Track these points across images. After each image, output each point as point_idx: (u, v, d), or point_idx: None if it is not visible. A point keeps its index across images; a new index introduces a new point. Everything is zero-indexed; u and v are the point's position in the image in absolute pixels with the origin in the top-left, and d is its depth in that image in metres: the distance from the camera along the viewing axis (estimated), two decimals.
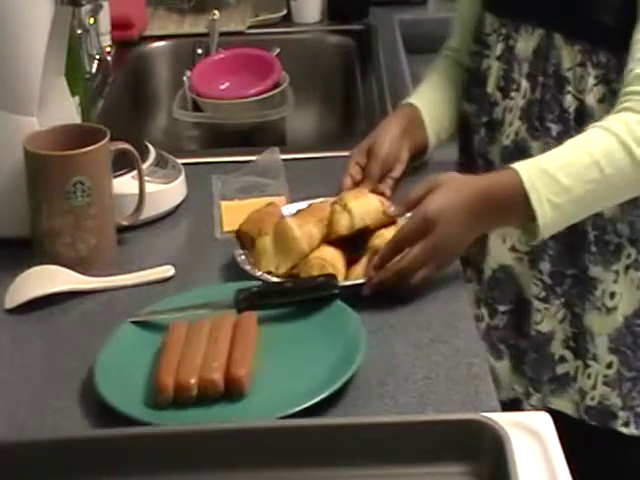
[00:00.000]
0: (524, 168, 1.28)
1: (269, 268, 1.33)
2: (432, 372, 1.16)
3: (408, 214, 1.32)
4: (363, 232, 1.35)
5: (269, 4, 2.50)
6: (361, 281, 1.29)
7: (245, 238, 1.38)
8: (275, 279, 1.31)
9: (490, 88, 1.50)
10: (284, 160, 1.64)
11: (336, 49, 2.34)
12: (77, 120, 1.56)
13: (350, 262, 1.33)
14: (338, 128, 2.18)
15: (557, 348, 1.50)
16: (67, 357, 1.22)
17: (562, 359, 1.50)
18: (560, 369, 1.50)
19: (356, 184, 1.49)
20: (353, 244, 1.35)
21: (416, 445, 0.94)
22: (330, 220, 1.35)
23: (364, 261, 1.32)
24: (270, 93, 2.03)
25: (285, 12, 2.44)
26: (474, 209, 1.28)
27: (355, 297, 1.27)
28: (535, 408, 1.50)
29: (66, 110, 1.51)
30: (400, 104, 1.64)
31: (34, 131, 1.40)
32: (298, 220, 1.35)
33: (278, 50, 2.18)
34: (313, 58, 2.32)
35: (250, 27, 2.40)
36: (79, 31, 1.98)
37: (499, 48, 1.49)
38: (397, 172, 1.51)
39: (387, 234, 1.33)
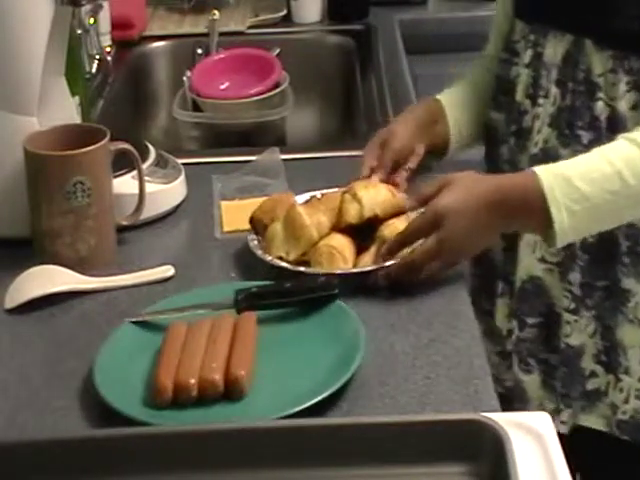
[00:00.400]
0: (544, 172, 1.28)
1: (279, 254, 1.35)
2: (432, 372, 1.16)
3: (421, 209, 1.34)
4: (372, 222, 1.36)
5: (269, 4, 2.50)
6: (369, 268, 1.31)
7: (258, 224, 1.40)
8: (285, 264, 1.33)
9: (519, 96, 1.47)
10: (284, 160, 1.64)
11: (336, 49, 2.34)
12: (77, 120, 1.56)
13: (359, 251, 1.35)
14: (338, 128, 2.18)
15: (588, 363, 1.47)
16: (67, 357, 1.22)
17: (592, 374, 1.47)
18: (590, 385, 1.47)
19: (372, 173, 1.48)
20: (362, 233, 1.36)
21: (416, 445, 0.94)
22: (340, 209, 1.36)
23: (373, 250, 1.34)
24: (270, 93, 2.03)
25: (285, 12, 2.45)
26: (485, 207, 1.28)
27: (362, 285, 1.29)
28: (566, 425, 1.48)
29: (66, 110, 1.51)
30: (423, 98, 1.62)
31: (34, 131, 1.41)
32: (308, 208, 1.37)
33: (278, 50, 2.19)
34: (313, 58, 2.33)
35: (250, 27, 2.40)
36: (79, 31, 1.99)
37: (528, 55, 1.46)
38: (412, 164, 1.50)
39: (396, 224, 1.35)
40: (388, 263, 1.31)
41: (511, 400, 1.52)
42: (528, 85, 1.46)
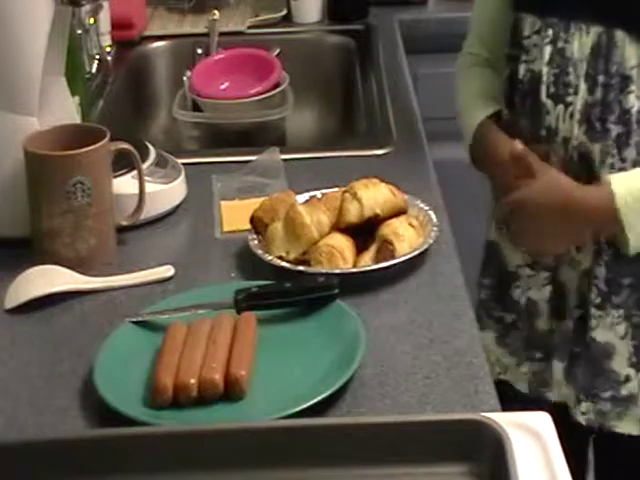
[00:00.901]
0: (619, 187, 1.36)
1: (280, 253, 1.35)
2: (432, 372, 1.16)
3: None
4: (373, 221, 1.37)
5: (269, 4, 2.50)
6: (369, 268, 1.31)
7: (258, 224, 1.40)
8: (285, 264, 1.33)
9: (543, 96, 1.43)
10: (284, 160, 1.64)
11: (336, 49, 2.34)
12: (77, 120, 1.56)
13: (359, 251, 1.36)
14: (338, 128, 2.18)
15: (621, 367, 1.47)
16: (67, 357, 1.22)
17: (627, 379, 1.47)
18: (625, 390, 1.47)
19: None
20: (362, 233, 1.37)
21: (416, 445, 0.94)
22: (340, 209, 1.37)
23: (373, 249, 1.34)
24: (270, 93, 2.03)
25: (285, 12, 2.44)
26: (560, 211, 1.40)
27: (362, 285, 1.29)
28: (585, 416, 1.49)
29: (66, 110, 1.51)
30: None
31: (34, 131, 1.41)
32: (308, 207, 1.38)
33: (278, 50, 2.19)
34: (313, 58, 2.32)
35: (250, 27, 2.40)
36: (79, 31, 1.99)
37: (547, 52, 1.42)
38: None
39: (396, 224, 1.35)
40: (388, 263, 1.31)
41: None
42: (549, 84, 1.43)
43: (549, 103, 1.43)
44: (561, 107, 1.42)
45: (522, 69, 1.46)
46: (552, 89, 1.42)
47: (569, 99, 1.41)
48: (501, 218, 1.51)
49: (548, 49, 1.43)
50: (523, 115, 1.47)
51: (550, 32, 1.42)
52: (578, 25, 1.40)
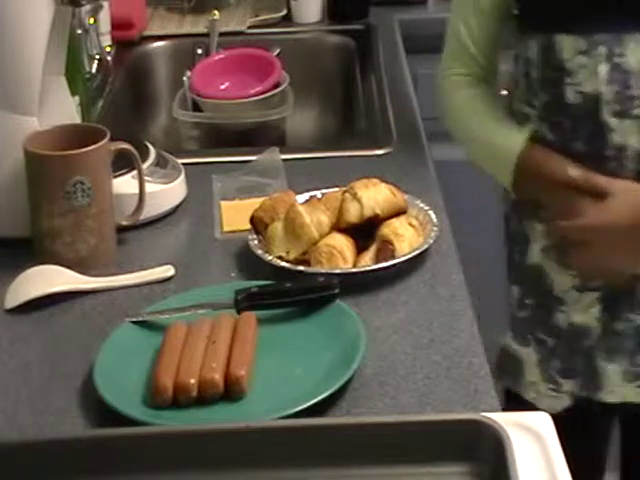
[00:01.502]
0: None
1: (280, 253, 1.35)
2: (432, 372, 1.16)
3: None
4: (373, 221, 1.37)
5: (269, 4, 2.50)
6: (369, 268, 1.31)
7: (259, 224, 1.40)
8: (285, 264, 1.33)
9: (606, 116, 1.39)
10: (284, 160, 1.64)
11: (336, 49, 2.34)
12: (77, 120, 1.56)
13: (359, 251, 1.36)
14: (338, 128, 2.18)
15: None
16: (67, 357, 1.22)
17: None
18: None
19: None
20: (362, 233, 1.37)
21: (416, 445, 0.94)
22: (340, 208, 1.37)
23: (373, 249, 1.35)
24: (270, 93, 2.03)
25: (285, 12, 2.44)
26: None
27: (362, 285, 1.29)
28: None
29: (66, 110, 1.51)
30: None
31: (34, 131, 1.41)
32: (308, 207, 1.38)
33: (278, 50, 2.19)
34: (313, 58, 2.33)
35: (250, 27, 2.40)
36: (79, 31, 1.98)
37: (603, 71, 1.37)
38: None
39: (396, 224, 1.35)
40: (388, 263, 1.31)
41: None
42: (611, 102, 1.38)
43: (614, 121, 1.39)
44: (627, 122, 1.38)
45: (570, 93, 1.41)
46: (616, 107, 1.39)
47: (635, 112, 1.38)
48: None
49: (603, 67, 1.38)
50: (578, 139, 1.43)
51: (602, 50, 1.38)
52: (632, 36, 1.37)
